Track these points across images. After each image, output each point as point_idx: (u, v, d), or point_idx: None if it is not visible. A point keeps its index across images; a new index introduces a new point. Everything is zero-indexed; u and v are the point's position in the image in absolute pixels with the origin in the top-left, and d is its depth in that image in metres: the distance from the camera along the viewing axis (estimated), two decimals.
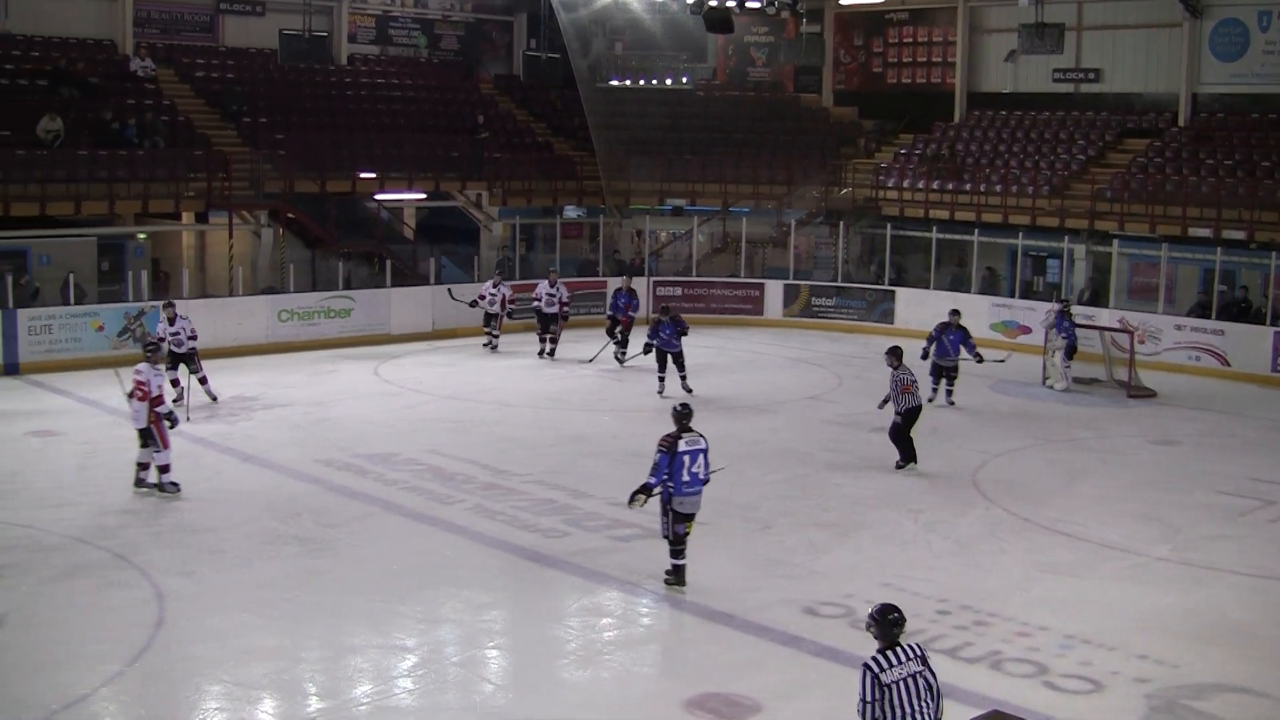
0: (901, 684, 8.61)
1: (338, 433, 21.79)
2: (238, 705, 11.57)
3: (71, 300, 28.18)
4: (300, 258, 33.19)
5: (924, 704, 8.65)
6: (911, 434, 19.90)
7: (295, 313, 30.44)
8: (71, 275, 28.51)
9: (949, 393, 24.71)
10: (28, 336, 26.89)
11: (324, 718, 11.41)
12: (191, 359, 23.54)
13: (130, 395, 17.81)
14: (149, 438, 17.71)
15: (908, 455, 19.87)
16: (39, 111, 31.51)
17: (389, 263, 33.03)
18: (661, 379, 25.13)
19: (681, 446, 14.24)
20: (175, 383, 23.06)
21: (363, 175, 34.51)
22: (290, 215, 33.32)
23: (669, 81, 42.95)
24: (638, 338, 27.07)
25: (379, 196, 35.54)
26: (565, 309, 29.56)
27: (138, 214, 32.35)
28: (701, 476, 14.33)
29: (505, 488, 18.43)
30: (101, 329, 27.62)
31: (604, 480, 18.77)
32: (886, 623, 8.82)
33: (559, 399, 25.13)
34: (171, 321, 23.40)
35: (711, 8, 36.47)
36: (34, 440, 21.12)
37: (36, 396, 24.70)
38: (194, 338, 23.52)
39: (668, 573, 14.57)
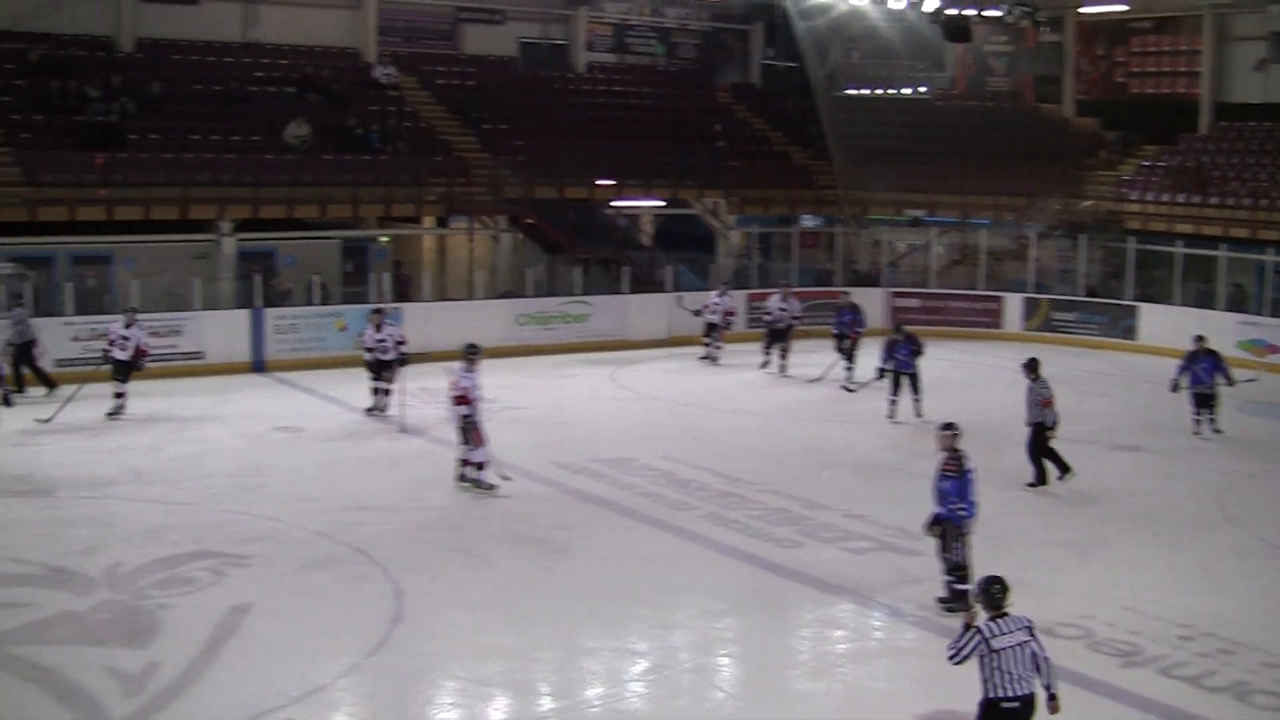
0: (1010, 651, 9.51)
1: (574, 436, 21.90)
2: (471, 702, 11.63)
3: (316, 300, 28.88)
4: (538, 262, 33.51)
5: (1028, 671, 9.53)
6: (1051, 446, 18.91)
7: (533, 317, 30.76)
8: (317, 276, 29.22)
9: (1211, 421, 22.95)
10: (274, 335, 27.67)
11: (555, 718, 11.39)
12: (389, 366, 23.19)
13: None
14: (466, 436, 18.10)
15: (1063, 467, 18.86)
16: (287, 117, 32.40)
17: (627, 269, 33.16)
18: (894, 402, 23.63)
19: (969, 465, 13.88)
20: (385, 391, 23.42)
21: (600, 182, 34.71)
22: (529, 221, 33.70)
23: (907, 90, 42.49)
24: (866, 357, 26.09)
25: (617, 203, 35.73)
26: (795, 322, 28.72)
27: (381, 217, 33.10)
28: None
29: (739, 496, 18.27)
30: (345, 329, 28.22)
31: (839, 492, 18.53)
32: (991, 593, 9.67)
33: (794, 409, 24.89)
34: (378, 329, 23.33)
35: (950, 16, 35.96)
36: (279, 436, 21.65)
37: (282, 393, 25.38)
38: (403, 343, 23.29)
39: (946, 599, 13.92)
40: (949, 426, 14.32)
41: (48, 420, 21.80)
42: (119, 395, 22.64)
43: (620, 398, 25.81)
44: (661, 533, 16.65)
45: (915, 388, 23.66)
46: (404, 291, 31.86)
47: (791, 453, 21.20)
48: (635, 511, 17.50)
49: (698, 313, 30.12)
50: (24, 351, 24.63)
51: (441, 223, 35.11)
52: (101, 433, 21.69)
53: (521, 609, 13.79)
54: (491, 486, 18.09)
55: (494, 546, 15.82)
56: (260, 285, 28.38)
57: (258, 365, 27.58)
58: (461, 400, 17.96)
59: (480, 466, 18.16)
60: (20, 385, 24.29)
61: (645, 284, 33.70)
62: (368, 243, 33.96)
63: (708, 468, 19.81)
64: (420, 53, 39.33)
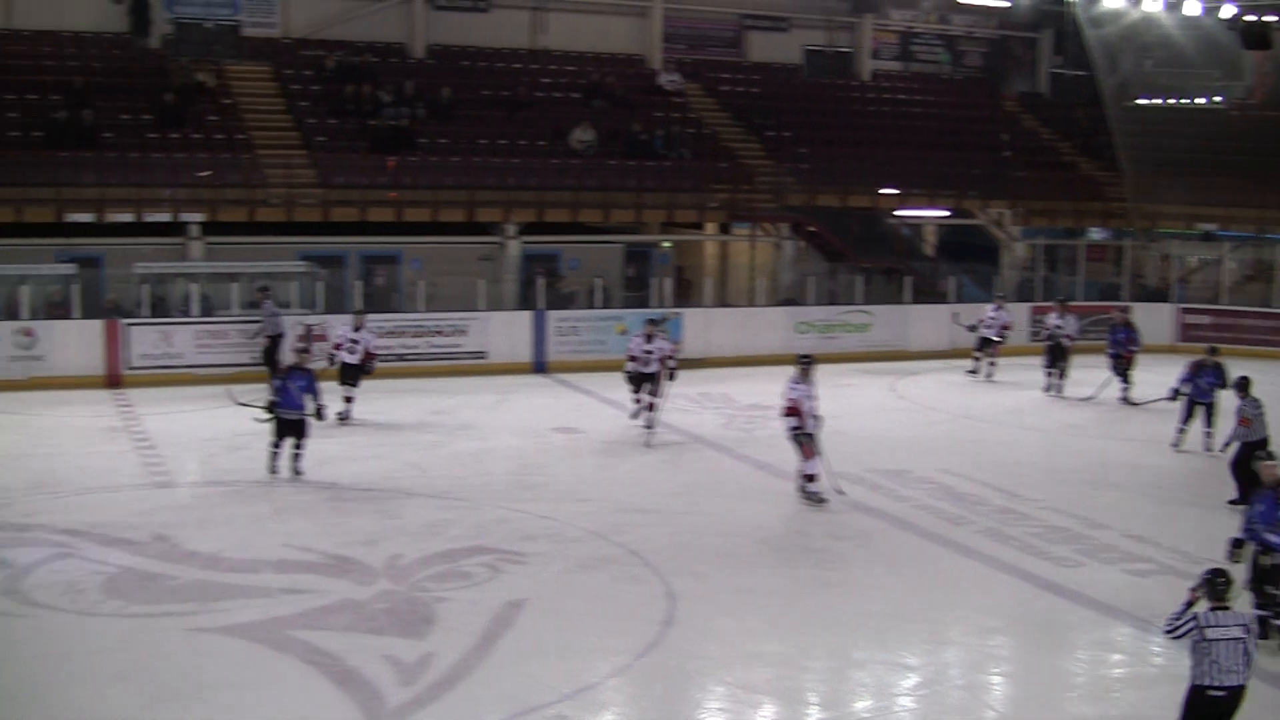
0: (1224, 644, 9.63)
1: (852, 446, 21.53)
2: (739, 708, 11.48)
3: (597, 304, 29.16)
4: (819, 271, 33.26)
5: (1240, 665, 9.65)
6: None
7: (813, 325, 30.51)
8: (599, 280, 29.51)
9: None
10: (555, 337, 28.02)
11: None
12: (651, 379, 22.12)
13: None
14: (798, 448, 17.78)
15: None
16: (573, 123, 32.83)
17: (908, 279, 32.68)
18: (1182, 430, 21.68)
19: None
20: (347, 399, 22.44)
21: (884, 191, 34.30)
22: (811, 229, 33.50)
23: (1201, 100, 40.98)
24: (1151, 374, 25.09)
25: (900, 213, 35.29)
26: (1069, 340, 27.09)
27: (663, 223, 33.26)
28: None
29: (1018, 512, 17.72)
30: (624, 332, 28.37)
31: (1121, 512, 17.81)
32: (1215, 585, 9.80)
33: (1076, 426, 24.12)
34: (649, 339, 22.25)
35: (1248, 23, 34.60)
36: (558, 436, 21.87)
37: (562, 394, 25.67)
38: (670, 357, 22.21)
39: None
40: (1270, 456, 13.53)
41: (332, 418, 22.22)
42: (348, 400, 22.55)
43: (899, 409, 25.39)
44: (937, 547, 16.22)
45: (1209, 419, 21.54)
46: (684, 296, 31.96)
47: (1072, 470, 20.47)
48: (911, 524, 17.11)
49: (973, 328, 29.24)
50: (275, 344, 25.56)
51: (723, 229, 35.14)
52: (386, 429, 22.23)
53: (792, 617, 13.58)
54: (822, 500, 17.75)
55: (767, 554, 15.65)
56: (543, 288, 28.78)
57: (539, 366, 27.97)
58: (792, 412, 17.71)
59: (811, 479, 17.82)
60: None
61: (927, 294, 33.18)
62: (650, 247, 34.18)
63: (986, 482, 19.29)
64: (705, 60, 39.44)
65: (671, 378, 22.24)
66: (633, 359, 22.26)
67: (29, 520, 16.30)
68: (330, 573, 14.36)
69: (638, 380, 22.32)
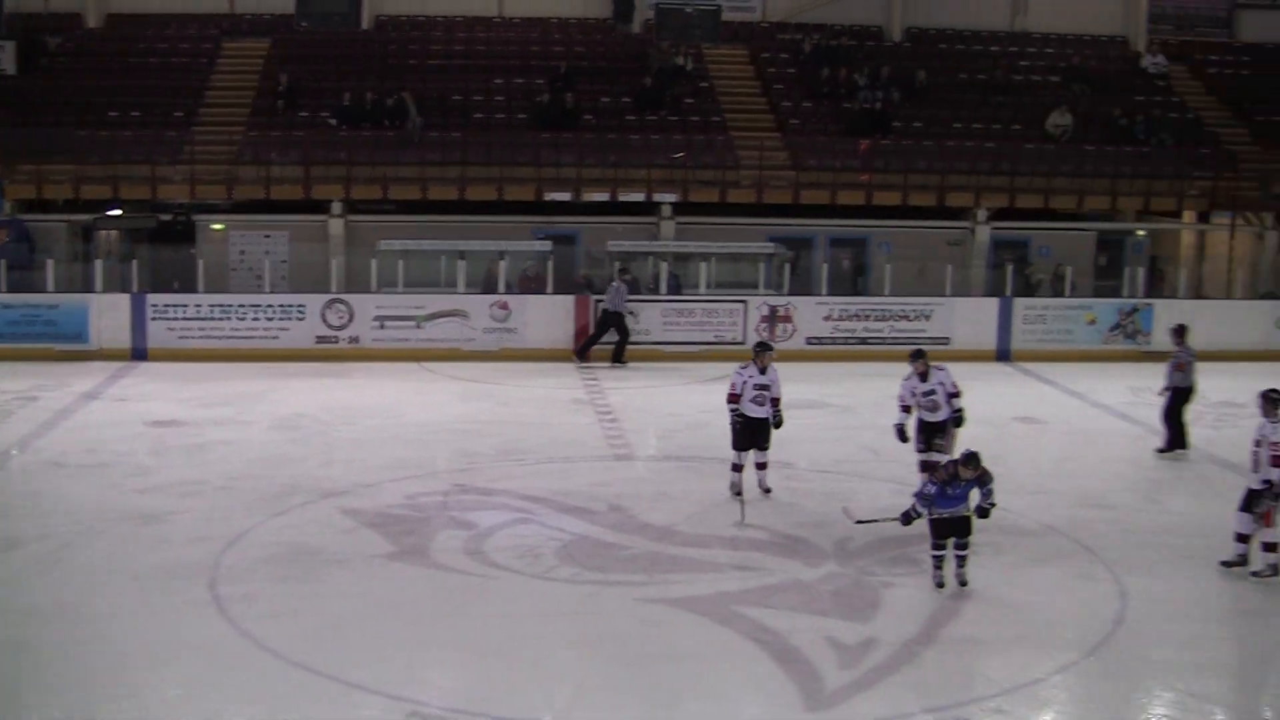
0: None
1: None
2: (1188, 716, 11.12)
3: (1066, 292, 28.63)
4: None
5: None
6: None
7: None
8: (1069, 268, 28.97)
9: None
10: (1021, 325, 27.69)
11: None
12: (940, 430, 16.71)
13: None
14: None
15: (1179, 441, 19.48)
16: (1050, 106, 32.28)
17: None
18: None
19: None
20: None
21: None
22: None
23: None
24: None
25: None
26: None
27: (1139, 211, 32.30)
28: None
29: None
30: (1094, 323, 27.80)
31: None
32: None
33: None
34: (924, 377, 16.68)
35: None
36: (1018, 426, 21.65)
37: (1025, 384, 25.38)
38: (956, 394, 16.63)
39: None
40: None
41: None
42: None
43: None
44: None
45: None
46: (1157, 287, 31.00)
47: None
48: None
49: None
50: (611, 319, 26.38)
51: (1202, 218, 33.81)
52: (844, 412, 22.66)
53: (1253, 628, 13.13)
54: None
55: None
56: (1012, 275, 28.45)
57: (1002, 354, 27.67)
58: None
59: (1271, 548, 14.23)
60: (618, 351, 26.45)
61: None
62: (1124, 236, 33.24)
63: None
64: (1192, 41, 38.00)
65: (958, 424, 16.74)
66: (904, 406, 16.80)
67: (494, 485, 17.35)
68: (780, 552, 14.72)
69: (928, 435, 16.75)
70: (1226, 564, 14.40)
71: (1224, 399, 23.61)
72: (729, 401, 16.75)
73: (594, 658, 11.85)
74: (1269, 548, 14.14)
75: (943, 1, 36.65)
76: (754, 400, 16.54)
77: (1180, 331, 20.21)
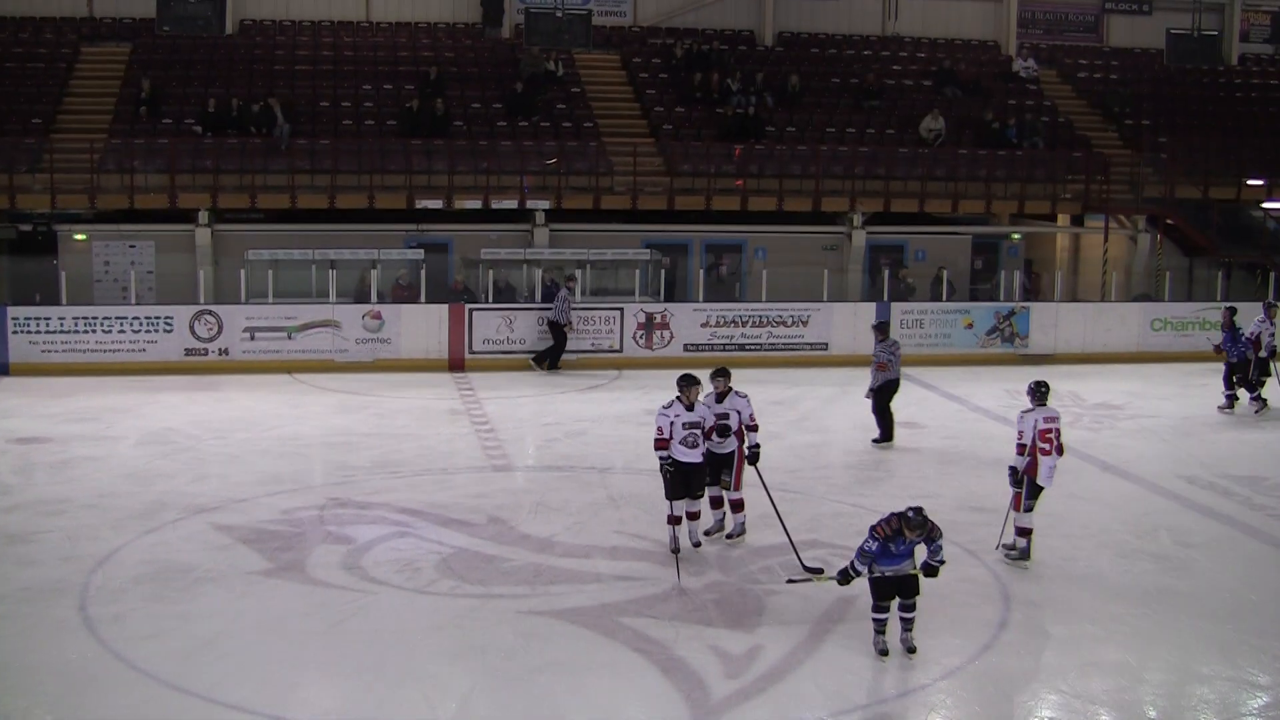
0: None
1: (1206, 450, 20.64)
2: (1073, 717, 11.07)
3: (943, 296, 28.70)
4: (1177, 266, 31.96)
5: None
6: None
7: (1169, 322, 29.22)
8: (945, 271, 29.05)
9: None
10: (899, 330, 27.59)
11: None
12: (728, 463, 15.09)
13: None
14: None
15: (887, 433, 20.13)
16: (923, 111, 32.42)
17: (1272, 274, 31.11)
18: None
19: None
20: None
21: (1250, 182, 32.76)
22: (1169, 221, 32.23)
23: None
24: None
25: (1267, 205, 33.62)
26: None
27: (1013, 214, 32.56)
28: None
29: None
30: (971, 326, 27.90)
31: None
32: None
33: None
34: (720, 398, 14.93)
35: None
36: (899, 431, 21.47)
37: (905, 389, 25.08)
38: (754, 428, 15.02)
39: None
40: None
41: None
42: None
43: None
44: None
45: None
46: (1033, 290, 31.24)
47: None
48: (1264, 533, 16.28)
49: None
50: (554, 330, 26.29)
51: (1076, 221, 34.14)
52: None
53: (1133, 626, 13.05)
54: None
55: (1110, 560, 15.06)
56: (888, 279, 28.48)
57: None
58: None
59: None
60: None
61: None
62: (999, 239, 33.46)
63: None
64: (1062, 45, 38.49)
65: (752, 460, 15.07)
66: (675, 439, 14.48)
67: (371, 499, 16.94)
68: (662, 561, 14.43)
69: (698, 473, 14.75)
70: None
71: (1101, 401, 23.84)
72: (657, 448, 14.37)
73: (477, 671, 11.54)
74: (1021, 532, 14.88)
75: (814, 6, 36.73)
76: (683, 442, 14.34)
77: (880, 329, 20.81)
